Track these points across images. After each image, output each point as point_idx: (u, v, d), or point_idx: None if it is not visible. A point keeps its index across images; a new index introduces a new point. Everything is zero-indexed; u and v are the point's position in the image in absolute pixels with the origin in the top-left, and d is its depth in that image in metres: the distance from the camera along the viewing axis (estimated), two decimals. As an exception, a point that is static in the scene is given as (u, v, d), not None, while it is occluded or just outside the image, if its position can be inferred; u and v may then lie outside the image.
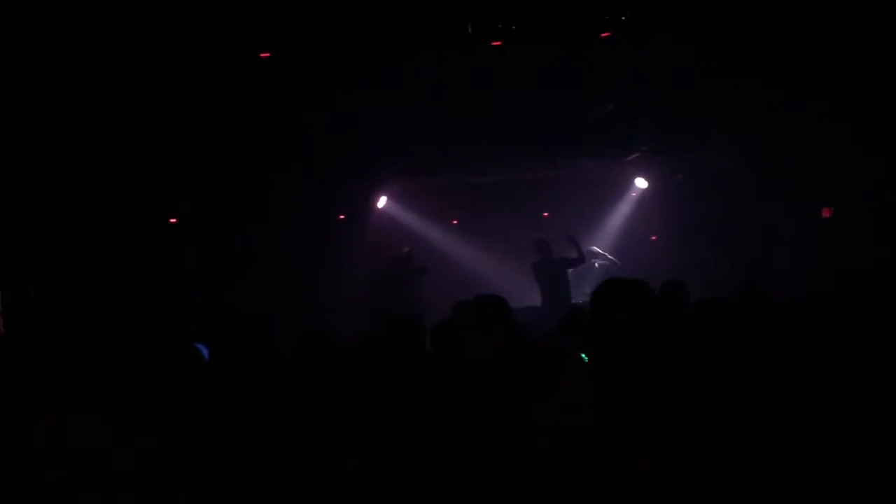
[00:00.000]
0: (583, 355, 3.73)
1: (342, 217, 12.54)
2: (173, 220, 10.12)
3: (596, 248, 12.37)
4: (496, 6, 6.88)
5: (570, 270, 11.16)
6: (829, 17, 6.87)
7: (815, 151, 9.66)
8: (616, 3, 6.96)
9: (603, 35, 7.31)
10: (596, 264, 12.16)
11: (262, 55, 6.84)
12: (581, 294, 11.00)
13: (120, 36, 6.34)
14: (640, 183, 12.96)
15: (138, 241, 9.17)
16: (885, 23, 6.88)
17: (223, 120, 8.35)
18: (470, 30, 7.07)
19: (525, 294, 11.09)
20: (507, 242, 12.46)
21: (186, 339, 4.54)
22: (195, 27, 6.41)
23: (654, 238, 13.13)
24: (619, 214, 13.39)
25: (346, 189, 12.05)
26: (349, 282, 11.45)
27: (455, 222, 13.41)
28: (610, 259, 12.19)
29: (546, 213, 13.31)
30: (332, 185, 11.45)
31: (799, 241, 9.94)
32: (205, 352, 4.43)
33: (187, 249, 10.05)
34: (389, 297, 10.57)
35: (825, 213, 10.51)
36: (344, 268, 11.58)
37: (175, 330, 8.37)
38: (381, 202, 12.91)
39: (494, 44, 7.24)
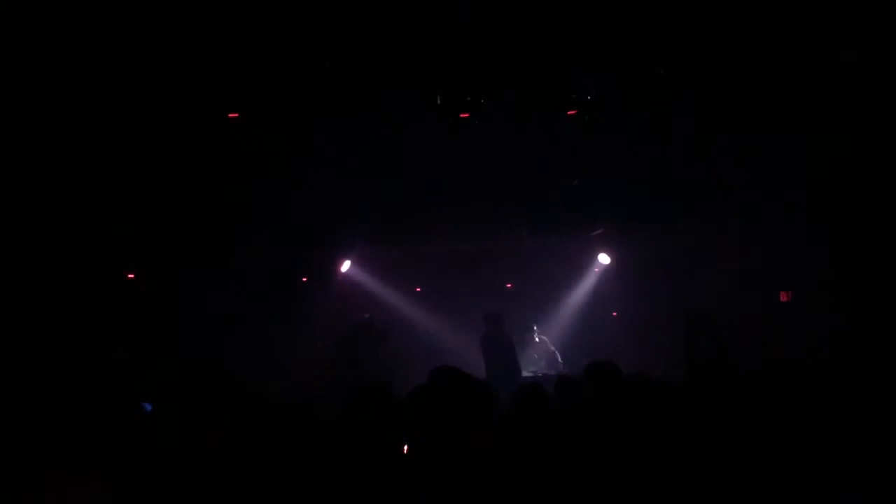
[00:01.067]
0: None
1: (305, 280, 12.46)
2: (131, 276, 9.96)
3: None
4: (466, 79, 7.01)
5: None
6: (785, 111, 7.09)
7: (777, 235, 9.85)
8: (583, 82, 7.14)
9: (569, 113, 7.46)
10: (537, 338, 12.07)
11: (231, 115, 6.85)
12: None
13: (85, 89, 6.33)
14: (603, 259, 13.08)
15: (95, 298, 9.01)
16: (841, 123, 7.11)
17: (188, 179, 8.32)
18: (439, 101, 7.19)
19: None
20: (469, 311, 12.42)
21: (134, 396, 4.49)
22: (168, 85, 6.43)
23: (615, 314, 13.20)
24: (582, 289, 13.46)
25: (310, 253, 12.01)
26: (308, 345, 11.30)
27: (418, 290, 13.38)
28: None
29: (509, 284, 13.35)
30: (297, 248, 11.40)
31: (754, 323, 10.01)
32: (147, 407, 4.37)
33: (144, 306, 9.88)
34: (350, 363, 10.44)
35: (783, 297, 10.65)
36: (304, 331, 11.45)
37: (123, 387, 8.22)
38: (345, 266, 12.87)
39: (462, 116, 7.35)
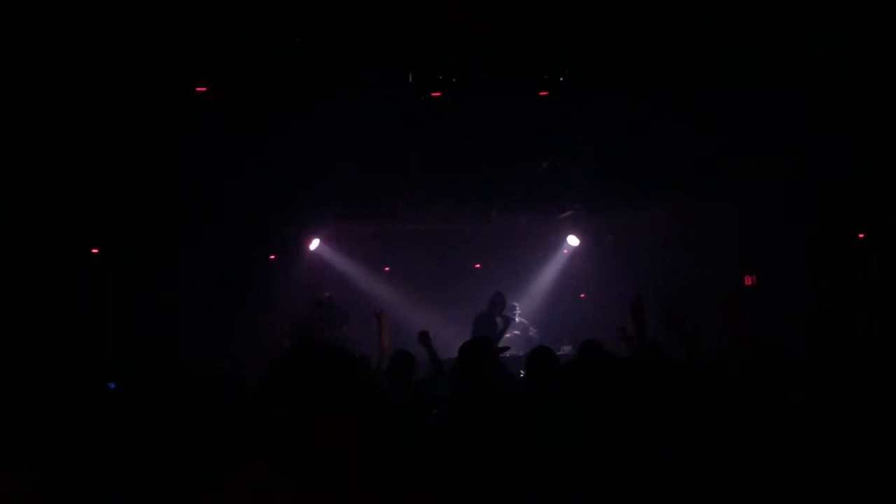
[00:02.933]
0: None
1: (273, 258, 12.36)
2: (95, 251, 9.80)
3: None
4: (438, 58, 6.95)
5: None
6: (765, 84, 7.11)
7: (744, 218, 9.96)
8: (555, 63, 7.11)
9: (541, 94, 7.44)
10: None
11: (199, 89, 6.72)
12: None
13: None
14: (572, 240, 13.14)
15: (60, 275, 8.88)
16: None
17: (156, 156, 8.18)
18: (411, 79, 7.12)
19: (451, 343, 11.01)
20: (438, 291, 12.42)
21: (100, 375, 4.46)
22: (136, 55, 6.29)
23: (583, 295, 13.28)
24: (551, 270, 13.51)
25: (279, 231, 11.91)
26: (274, 322, 11.24)
27: (387, 269, 13.33)
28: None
29: (478, 265, 13.36)
30: (265, 226, 11.30)
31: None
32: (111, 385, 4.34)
33: (108, 284, 9.75)
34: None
35: (747, 281, 10.79)
36: (270, 308, 11.38)
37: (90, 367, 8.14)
38: (314, 244, 12.79)
39: (434, 95, 7.30)
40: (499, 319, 10.59)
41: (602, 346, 5.03)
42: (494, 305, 10.72)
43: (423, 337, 5.86)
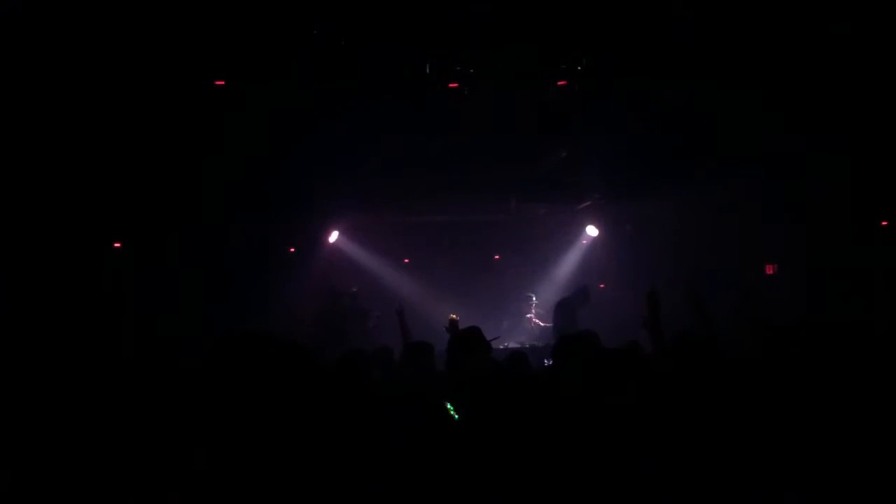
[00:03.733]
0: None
1: (292, 250, 12.42)
2: (117, 245, 9.89)
3: (534, 318, 12.18)
4: (455, 49, 6.95)
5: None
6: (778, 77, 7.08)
7: (765, 208, 9.90)
8: (573, 52, 7.09)
9: (559, 83, 7.42)
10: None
11: (217, 83, 6.77)
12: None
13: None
14: (591, 231, 13.10)
15: (81, 268, 8.97)
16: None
17: (178, 150, 8.27)
18: (428, 70, 7.12)
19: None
20: (457, 282, 12.44)
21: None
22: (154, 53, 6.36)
23: (602, 286, 13.25)
24: (569, 261, 13.49)
25: (298, 222, 11.96)
26: (294, 315, 11.29)
27: (406, 261, 13.36)
28: (544, 325, 12.00)
29: (497, 256, 13.37)
30: (285, 217, 11.35)
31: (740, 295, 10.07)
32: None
33: (127, 275, 9.83)
34: (331, 333, 10.44)
35: (769, 270, 10.72)
36: (290, 301, 11.43)
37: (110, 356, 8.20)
38: (333, 237, 12.83)
39: (451, 86, 7.30)
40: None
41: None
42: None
43: (453, 325, 6.12)
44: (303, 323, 10.87)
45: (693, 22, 6.23)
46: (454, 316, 6.91)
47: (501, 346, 10.02)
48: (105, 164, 8.15)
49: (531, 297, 12.26)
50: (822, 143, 8.12)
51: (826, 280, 9.28)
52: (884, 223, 9.46)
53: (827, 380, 3.15)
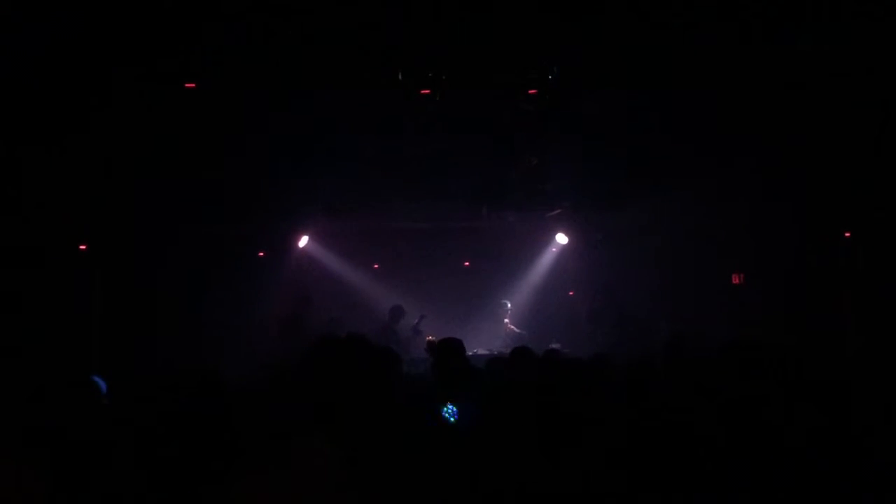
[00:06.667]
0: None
1: (262, 254, 12.32)
2: (83, 248, 9.76)
3: (509, 324, 12.25)
4: (428, 55, 6.98)
5: None
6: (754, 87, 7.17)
7: (731, 217, 10.01)
8: (543, 61, 7.14)
9: (530, 92, 7.47)
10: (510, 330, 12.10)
11: (188, 85, 6.73)
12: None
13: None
14: (561, 238, 13.15)
15: (47, 270, 8.84)
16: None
17: (144, 150, 8.18)
18: (400, 76, 7.14)
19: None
20: (427, 288, 12.43)
21: (86, 371, 4.43)
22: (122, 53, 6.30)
23: (571, 293, 13.30)
24: (540, 268, 13.53)
25: (268, 226, 11.86)
26: (261, 320, 11.18)
27: (376, 266, 13.33)
28: (518, 332, 12.06)
29: (467, 263, 13.38)
30: (253, 221, 11.25)
31: (706, 304, 10.17)
32: (102, 385, 4.31)
33: (96, 278, 9.71)
34: (292, 339, 10.33)
35: (735, 280, 10.83)
36: (258, 305, 11.33)
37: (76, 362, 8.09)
38: (303, 241, 12.76)
39: (423, 92, 7.32)
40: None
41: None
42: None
43: (431, 345, 6.59)
44: (270, 331, 10.76)
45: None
46: (431, 337, 7.35)
47: (470, 353, 10.02)
48: (71, 166, 8.04)
49: (506, 304, 12.31)
50: (782, 154, 8.25)
51: (789, 290, 9.42)
52: (847, 234, 9.63)
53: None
